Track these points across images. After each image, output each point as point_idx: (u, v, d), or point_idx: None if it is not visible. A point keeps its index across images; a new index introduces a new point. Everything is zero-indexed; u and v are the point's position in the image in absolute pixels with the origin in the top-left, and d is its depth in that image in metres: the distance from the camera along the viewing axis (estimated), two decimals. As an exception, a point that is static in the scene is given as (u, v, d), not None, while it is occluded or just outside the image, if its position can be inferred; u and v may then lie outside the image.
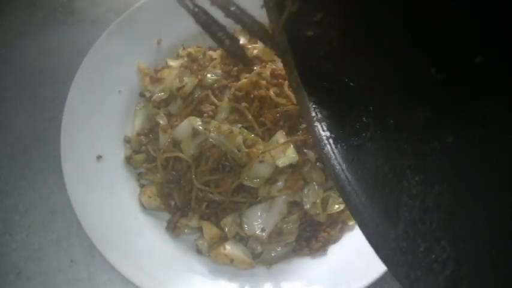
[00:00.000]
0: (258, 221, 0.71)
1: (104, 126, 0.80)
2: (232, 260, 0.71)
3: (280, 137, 0.71)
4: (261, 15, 0.50)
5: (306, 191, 0.72)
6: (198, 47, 0.88)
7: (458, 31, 0.36)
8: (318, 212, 0.72)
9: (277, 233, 0.72)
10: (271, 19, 0.46)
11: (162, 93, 0.82)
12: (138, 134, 0.82)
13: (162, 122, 0.79)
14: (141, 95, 0.86)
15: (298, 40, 0.44)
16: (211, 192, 0.73)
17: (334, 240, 0.74)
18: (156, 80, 0.84)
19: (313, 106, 0.41)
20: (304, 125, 0.74)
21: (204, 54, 0.86)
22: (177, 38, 0.89)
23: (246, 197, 0.73)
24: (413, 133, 0.37)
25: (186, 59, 0.86)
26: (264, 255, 0.73)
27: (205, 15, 0.58)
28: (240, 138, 0.70)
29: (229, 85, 0.77)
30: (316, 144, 0.40)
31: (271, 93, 0.74)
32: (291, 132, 0.74)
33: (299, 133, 0.74)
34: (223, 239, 0.73)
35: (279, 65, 0.79)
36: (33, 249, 0.78)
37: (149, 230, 0.75)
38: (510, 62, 0.33)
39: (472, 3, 0.35)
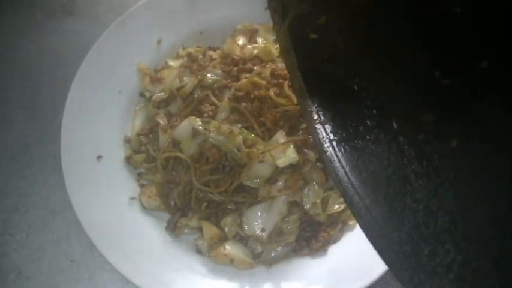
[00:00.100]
0: (258, 221, 0.71)
1: (104, 126, 0.80)
2: (232, 260, 0.71)
3: (280, 137, 0.71)
4: (265, 16, 0.50)
5: (306, 191, 0.72)
6: (198, 47, 0.88)
7: (458, 32, 0.36)
8: (318, 212, 0.72)
9: (277, 233, 0.72)
10: (275, 21, 0.46)
11: (162, 93, 0.82)
12: (138, 134, 0.82)
13: (162, 122, 0.79)
14: (141, 95, 0.86)
15: (301, 42, 0.44)
16: (211, 192, 0.73)
17: (334, 240, 0.74)
18: (156, 80, 0.84)
19: (316, 108, 0.41)
20: (304, 125, 0.74)
21: (204, 54, 0.86)
22: (177, 38, 0.89)
23: (246, 197, 0.73)
24: (416, 136, 0.37)
25: (186, 59, 0.86)
26: (264, 255, 0.73)
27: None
28: (240, 138, 0.70)
29: (229, 85, 0.77)
30: (318, 146, 0.40)
31: (271, 93, 0.74)
32: (291, 132, 0.74)
33: (299, 133, 0.74)
34: (223, 239, 0.73)
35: (279, 65, 0.79)
36: (33, 249, 0.78)
37: (149, 230, 0.75)
38: (510, 62, 0.33)
39: (472, 3, 0.35)
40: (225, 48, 0.84)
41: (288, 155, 0.68)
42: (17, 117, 0.90)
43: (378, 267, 0.64)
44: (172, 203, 0.77)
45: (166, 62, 0.87)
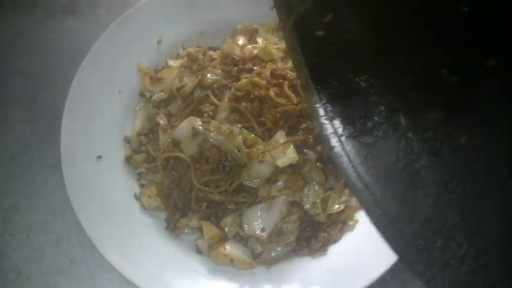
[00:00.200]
0: (258, 221, 0.71)
1: (104, 126, 0.80)
2: (232, 260, 0.71)
3: (280, 137, 0.71)
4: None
5: (306, 191, 0.72)
6: (198, 47, 0.88)
7: (465, 31, 0.36)
8: (318, 212, 0.72)
9: (277, 233, 0.72)
10: (281, 19, 0.46)
11: (162, 93, 0.82)
12: (138, 134, 0.82)
13: (162, 122, 0.79)
14: (141, 95, 0.86)
15: (307, 39, 0.44)
16: (211, 192, 0.73)
17: (334, 240, 0.74)
18: (156, 80, 0.84)
19: (324, 104, 0.41)
20: (304, 125, 0.74)
21: (204, 54, 0.86)
22: (177, 38, 0.89)
23: (246, 197, 0.73)
24: (425, 132, 0.37)
25: (186, 59, 0.86)
26: (264, 255, 0.73)
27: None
28: (240, 138, 0.70)
29: (229, 85, 0.77)
30: (326, 142, 0.40)
31: (271, 93, 0.74)
32: (291, 132, 0.74)
33: (299, 133, 0.74)
34: (223, 239, 0.73)
35: (279, 65, 0.79)
36: (33, 249, 0.78)
37: (149, 230, 0.75)
38: None
39: (479, 2, 0.35)
40: (225, 48, 0.84)
41: (288, 155, 0.68)
42: (17, 117, 0.90)
43: (378, 267, 0.64)
44: (172, 203, 0.77)
45: (166, 62, 0.87)
